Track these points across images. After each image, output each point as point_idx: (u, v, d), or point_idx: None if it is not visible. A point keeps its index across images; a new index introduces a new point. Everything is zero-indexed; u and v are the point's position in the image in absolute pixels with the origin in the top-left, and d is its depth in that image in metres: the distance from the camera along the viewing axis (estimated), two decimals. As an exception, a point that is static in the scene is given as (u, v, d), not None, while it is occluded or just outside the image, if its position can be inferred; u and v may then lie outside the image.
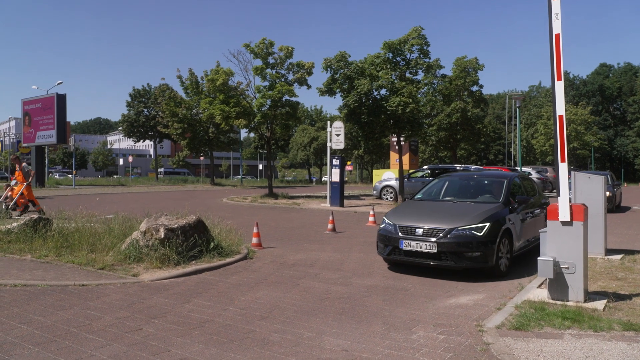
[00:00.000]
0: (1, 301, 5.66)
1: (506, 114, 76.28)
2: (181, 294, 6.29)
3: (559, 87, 5.71)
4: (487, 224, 7.26)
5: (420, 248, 7.30)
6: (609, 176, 19.30)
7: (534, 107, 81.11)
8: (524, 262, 8.51)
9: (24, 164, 15.03)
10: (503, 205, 8.00)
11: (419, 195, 9.27)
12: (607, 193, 11.50)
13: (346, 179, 62.15)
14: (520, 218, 8.27)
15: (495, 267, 7.26)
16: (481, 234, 7.16)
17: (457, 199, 8.70)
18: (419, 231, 7.41)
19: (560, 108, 5.71)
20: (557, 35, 5.66)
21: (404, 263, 7.84)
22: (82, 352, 4.20)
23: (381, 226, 8.07)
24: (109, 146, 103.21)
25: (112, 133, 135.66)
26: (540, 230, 6.25)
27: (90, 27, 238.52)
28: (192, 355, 4.18)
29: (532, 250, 8.74)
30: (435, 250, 7.17)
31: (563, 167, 5.69)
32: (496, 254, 7.23)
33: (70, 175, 47.66)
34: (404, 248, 7.46)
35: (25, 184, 14.43)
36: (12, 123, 77.78)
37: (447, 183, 9.44)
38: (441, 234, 7.22)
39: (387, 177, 26.86)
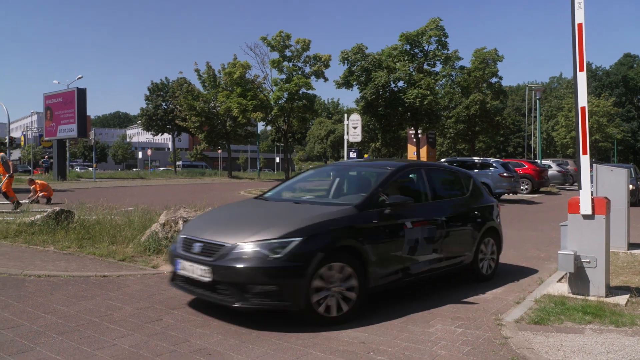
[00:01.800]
0: (26, 291, 5.80)
1: (526, 105, 75.09)
2: (200, 285, 6.34)
3: (581, 78, 5.60)
4: (296, 240, 4.60)
5: (194, 273, 4.82)
6: (632, 169, 18.89)
7: (554, 99, 79.69)
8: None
9: (1, 155, 14.72)
10: (356, 209, 5.20)
11: (269, 193, 6.63)
12: (630, 186, 11.28)
13: (363, 171, 61.77)
14: (394, 231, 5.40)
15: (307, 310, 4.61)
16: (279, 255, 4.53)
17: (310, 198, 6.37)
18: (197, 247, 4.96)
19: (582, 99, 5.61)
20: (580, 25, 5.55)
21: (189, 293, 5.20)
22: (104, 341, 4.29)
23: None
24: (128, 139, 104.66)
25: (131, 127, 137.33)
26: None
27: (108, 22, 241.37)
28: (211, 346, 4.23)
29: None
30: (210, 279, 4.66)
31: (585, 160, 5.59)
32: (308, 290, 4.56)
33: (90, 169, 48.38)
34: (179, 272, 5.06)
35: (7, 175, 14.30)
36: (35, 117, 79.36)
37: (314, 175, 7.33)
38: (218, 253, 4.70)
39: (404, 170, 26.71)
